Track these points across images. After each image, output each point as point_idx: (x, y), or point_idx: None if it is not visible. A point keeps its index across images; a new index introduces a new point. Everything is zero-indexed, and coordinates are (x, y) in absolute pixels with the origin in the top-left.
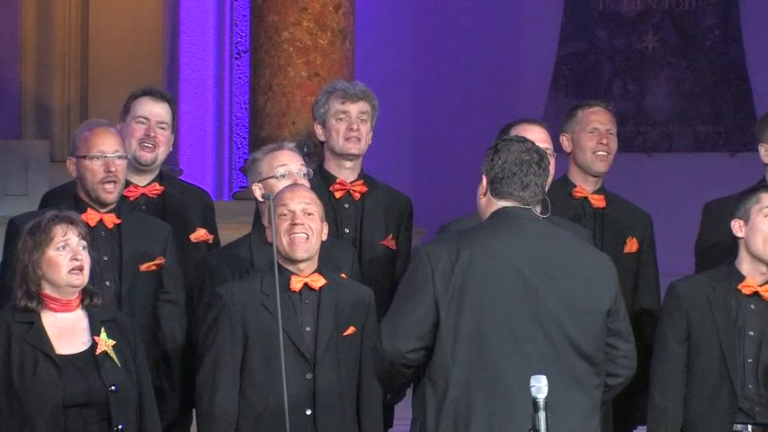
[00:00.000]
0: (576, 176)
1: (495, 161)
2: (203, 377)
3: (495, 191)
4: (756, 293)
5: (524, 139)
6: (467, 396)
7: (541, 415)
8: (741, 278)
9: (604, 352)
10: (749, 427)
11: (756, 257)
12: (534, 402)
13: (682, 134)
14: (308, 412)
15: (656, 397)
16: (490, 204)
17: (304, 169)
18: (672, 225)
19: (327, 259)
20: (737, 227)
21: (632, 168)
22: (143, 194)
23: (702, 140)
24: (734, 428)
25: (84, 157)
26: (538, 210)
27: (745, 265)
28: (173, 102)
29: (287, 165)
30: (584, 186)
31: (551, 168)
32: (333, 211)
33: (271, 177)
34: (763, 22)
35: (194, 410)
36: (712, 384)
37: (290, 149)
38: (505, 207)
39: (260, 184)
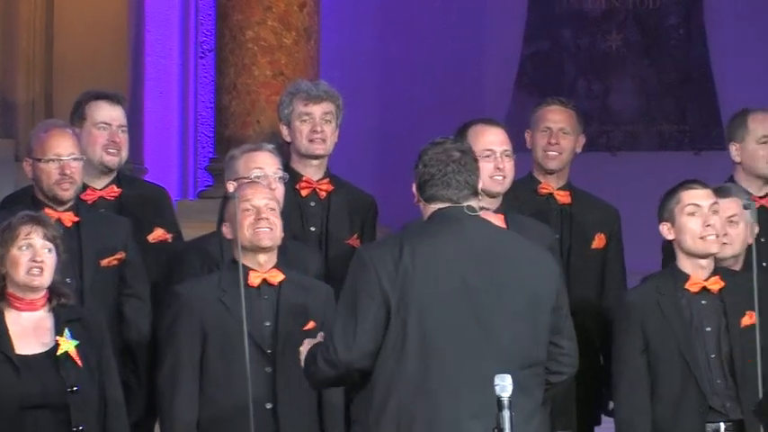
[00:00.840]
0: (538, 173)
1: (417, 167)
2: (163, 376)
3: (424, 196)
4: (705, 289)
5: (444, 141)
6: (409, 400)
7: (506, 414)
8: (686, 277)
9: (547, 350)
10: (722, 425)
11: (692, 255)
12: (499, 401)
13: (646, 133)
14: (269, 406)
15: (621, 410)
16: (426, 209)
17: (280, 173)
18: (636, 224)
19: (295, 262)
20: (666, 230)
21: (597, 167)
22: (101, 197)
23: (667, 139)
24: (706, 429)
25: (40, 160)
26: (474, 203)
27: (685, 264)
28: (125, 102)
29: (263, 168)
30: (548, 182)
31: (510, 167)
32: (298, 209)
33: (245, 178)
34: (728, 20)
35: None
36: (678, 388)
37: (269, 151)
38: (440, 209)
39: (234, 183)
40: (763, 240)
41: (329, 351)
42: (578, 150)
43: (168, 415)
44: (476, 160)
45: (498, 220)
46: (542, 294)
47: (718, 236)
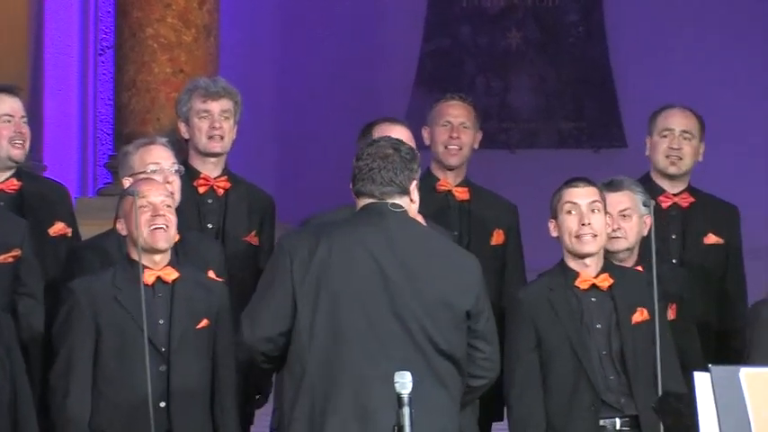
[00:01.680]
0: (437, 170)
1: (354, 163)
2: (56, 372)
3: (354, 189)
4: (594, 286)
5: (381, 139)
6: (322, 388)
7: (405, 411)
8: (575, 274)
9: (466, 353)
10: (617, 420)
11: (572, 253)
12: (398, 398)
13: (545, 131)
14: (162, 404)
15: (514, 407)
16: (357, 203)
17: (175, 166)
18: (535, 222)
19: (194, 254)
20: (552, 227)
21: (496, 165)
22: (1, 190)
23: (566, 137)
24: (600, 424)
25: None
26: (403, 202)
27: (572, 261)
28: (22, 94)
29: (159, 162)
30: (447, 179)
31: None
32: (196, 206)
33: (141, 173)
34: (627, 18)
35: None
36: (570, 384)
37: (162, 144)
38: (367, 203)
39: (130, 179)
40: (674, 237)
41: (239, 330)
42: (475, 146)
43: (60, 412)
44: (411, 160)
45: (419, 218)
46: (460, 297)
47: (596, 236)
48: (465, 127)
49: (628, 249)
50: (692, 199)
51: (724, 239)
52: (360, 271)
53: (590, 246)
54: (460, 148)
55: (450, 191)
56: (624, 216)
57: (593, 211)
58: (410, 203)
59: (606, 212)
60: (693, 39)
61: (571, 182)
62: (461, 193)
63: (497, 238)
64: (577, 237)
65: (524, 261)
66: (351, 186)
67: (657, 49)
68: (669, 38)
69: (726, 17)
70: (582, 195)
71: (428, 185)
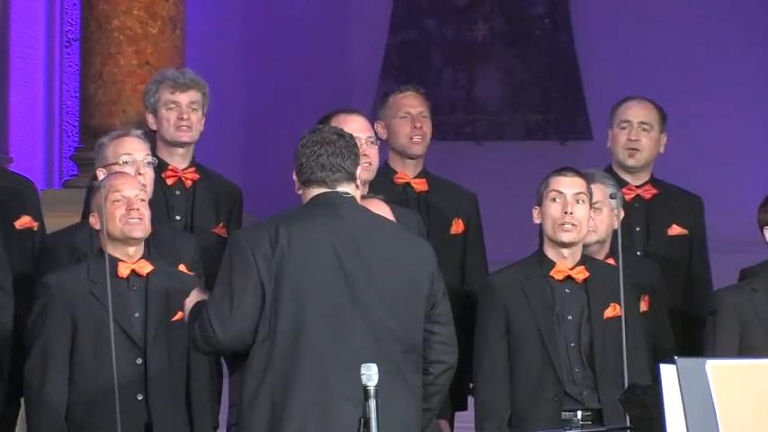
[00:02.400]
0: (395, 162)
1: (296, 154)
2: (32, 366)
3: (301, 180)
4: (569, 277)
5: (324, 126)
6: (284, 381)
7: (372, 403)
8: (552, 264)
9: (423, 338)
10: (579, 413)
11: (552, 241)
12: (365, 390)
13: (512, 123)
14: (140, 397)
15: (481, 393)
16: (304, 195)
17: (149, 158)
18: (501, 213)
19: (168, 249)
20: (536, 214)
21: (462, 157)
22: None
23: (532, 129)
24: (562, 416)
25: None
26: (350, 189)
27: (549, 250)
28: None
29: (131, 153)
30: (405, 171)
31: (374, 153)
32: (164, 197)
33: (114, 164)
34: (593, 11)
35: (23, 399)
36: (536, 374)
37: (136, 136)
38: (317, 194)
39: (104, 170)
40: (638, 230)
41: (206, 329)
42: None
43: (36, 403)
44: (355, 146)
45: (386, 209)
46: (417, 280)
47: (575, 225)
48: (424, 116)
49: (598, 242)
50: (654, 191)
51: (688, 230)
52: (319, 264)
53: (569, 235)
54: (422, 138)
55: (408, 183)
56: (595, 209)
57: (577, 201)
58: (356, 190)
59: (591, 207)
60: (659, 30)
61: (560, 170)
62: (420, 185)
63: (457, 227)
64: (559, 225)
65: (485, 248)
66: (296, 176)
67: (623, 41)
68: (635, 30)
69: (692, 8)
70: (568, 185)
71: (386, 178)
